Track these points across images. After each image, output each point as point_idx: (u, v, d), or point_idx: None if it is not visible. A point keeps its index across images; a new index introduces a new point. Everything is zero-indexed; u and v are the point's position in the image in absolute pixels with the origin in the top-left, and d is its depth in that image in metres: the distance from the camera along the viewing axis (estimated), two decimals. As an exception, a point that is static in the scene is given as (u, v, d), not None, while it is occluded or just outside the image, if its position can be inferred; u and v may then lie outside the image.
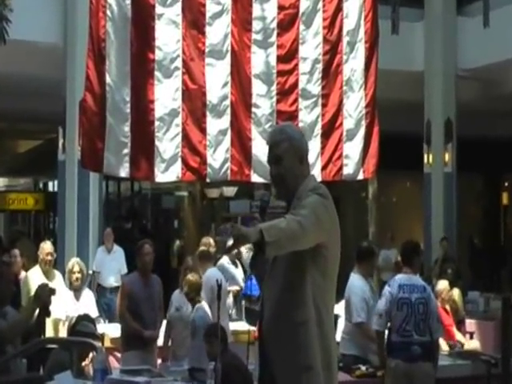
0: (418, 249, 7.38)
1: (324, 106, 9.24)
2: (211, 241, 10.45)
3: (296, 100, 9.11)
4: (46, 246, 8.53)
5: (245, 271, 10.96)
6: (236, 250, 10.42)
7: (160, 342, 7.80)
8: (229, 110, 8.70)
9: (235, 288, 10.71)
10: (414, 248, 7.21)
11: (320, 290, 3.67)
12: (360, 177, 9.62)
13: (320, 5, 9.20)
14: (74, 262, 8.52)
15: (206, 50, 8.62)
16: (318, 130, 9.19)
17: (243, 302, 10.33)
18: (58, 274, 8.63)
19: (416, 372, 6.50)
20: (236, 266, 10.70)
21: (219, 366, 5.00)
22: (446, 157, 13.98)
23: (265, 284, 3.81)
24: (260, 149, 8.78)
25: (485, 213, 20.98)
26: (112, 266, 11.55)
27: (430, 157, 14.08)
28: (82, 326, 5.96)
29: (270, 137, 3.95)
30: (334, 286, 3.82)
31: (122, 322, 7.66)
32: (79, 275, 8.35)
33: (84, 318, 6.30)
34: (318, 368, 3.61)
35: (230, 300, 10.38)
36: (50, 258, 8.45)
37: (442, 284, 9.12)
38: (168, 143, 8.39)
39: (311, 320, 3.63)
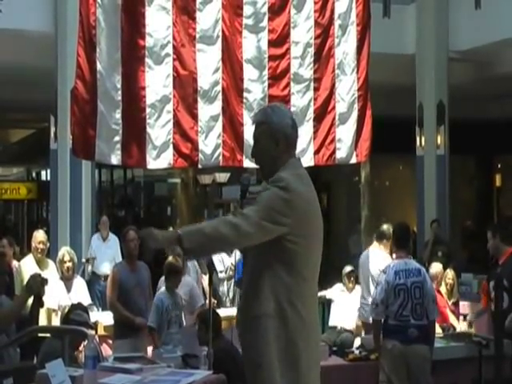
0: (410, 230, 7.40)
1: (316, 89, 9.21)
2: None
3: (288, 84, 9.08)
4: (38, 235, 8.53)
5: None
6: None
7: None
8: (220, 96, 8.66)
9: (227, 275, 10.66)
10: (406, 230, 7.22)
11: (283, 285, 3.56)
12: (353, 160, 9.61)
13: (311, -12, 9.16)
14: (64, 252, 8.51)
15: (197, 35, 8.57)
16: (310, 114, 9.17)
17: (237, 290, 10.33)
18: (51, 262, 8.63)
19: (412, 354, 6.53)
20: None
21: (211, 351, 5.00)
22: (439, 139, 13.97)
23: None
24: (252, 134, 8.75)
25: (478, 195, 21.01)
26: (107, 253, 11.56)
27: (423, 140, 14.07)
28: (75, 315, 5.96)
29: (253, 117, 4.04)
30: (307, 281, 3.63)
31: (113, 310, 7.67)
32: (70, 264, 8.34)
33: (77, 307, 6.30)
34: (270, 366, 3.49)
35: (224, 288, 10.39)
36: (41, 246, 8.44)
37: (436, 266, 9.14)
38: (159, 130, 8.36)
39: (266, 315, 3.52)
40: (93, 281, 11.09)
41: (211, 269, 5.50)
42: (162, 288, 7.83)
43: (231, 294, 10.47)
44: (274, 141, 3.77)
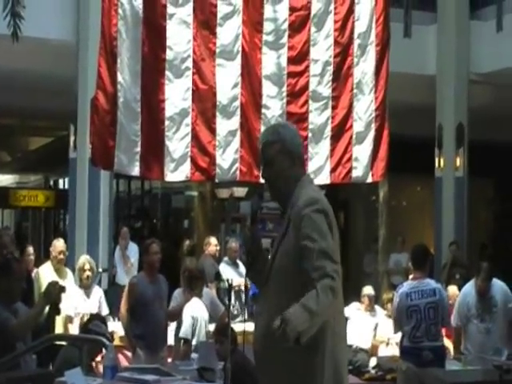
0: (429, 252, 7.38)
1: (334, 108, 9.23)
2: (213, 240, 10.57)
3: (306, 102, 9.11)
4: (59, 244, 8.57)
5: None
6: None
7: (169, 341, 7.81)
8: (238, 111, 8.70)
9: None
10: (425, 252, 7.21)
11: None
12: (369, 180, 9.62)
13: (332, 7, 9.20)
14: (84, 260, 8.55)
15: (217, 50, 8.62)
16: (327, 132, 9.18)
17: (254, 306, 10.33)
18: (68, 271, 8.67)
19: (427, 377, 6.50)
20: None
21: (229, 365, 4.98)
22: (458, 161, 13.95)
23: (259, 296, 3.70)
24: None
25: (496, 218, 20.89)
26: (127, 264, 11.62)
27: (442, 161, 14.05)
28: (94, 326, 5.97)
29: (263, 137, 3.86)
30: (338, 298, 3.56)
31: (121, 322, 7.68)
32: (90, 273, 8.37)
33: (96, 318, 6.32)
34: None
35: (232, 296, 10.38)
36: (62, 256, 8.49)
37: (452, 289, 9.13)
38: (178, 143, 8.40)
39: (295, 348, 3.36)
40: (114, 291, 11.12)
41: (230, 283, 5.51)
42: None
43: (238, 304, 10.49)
44: (291, 160, 3.66)
